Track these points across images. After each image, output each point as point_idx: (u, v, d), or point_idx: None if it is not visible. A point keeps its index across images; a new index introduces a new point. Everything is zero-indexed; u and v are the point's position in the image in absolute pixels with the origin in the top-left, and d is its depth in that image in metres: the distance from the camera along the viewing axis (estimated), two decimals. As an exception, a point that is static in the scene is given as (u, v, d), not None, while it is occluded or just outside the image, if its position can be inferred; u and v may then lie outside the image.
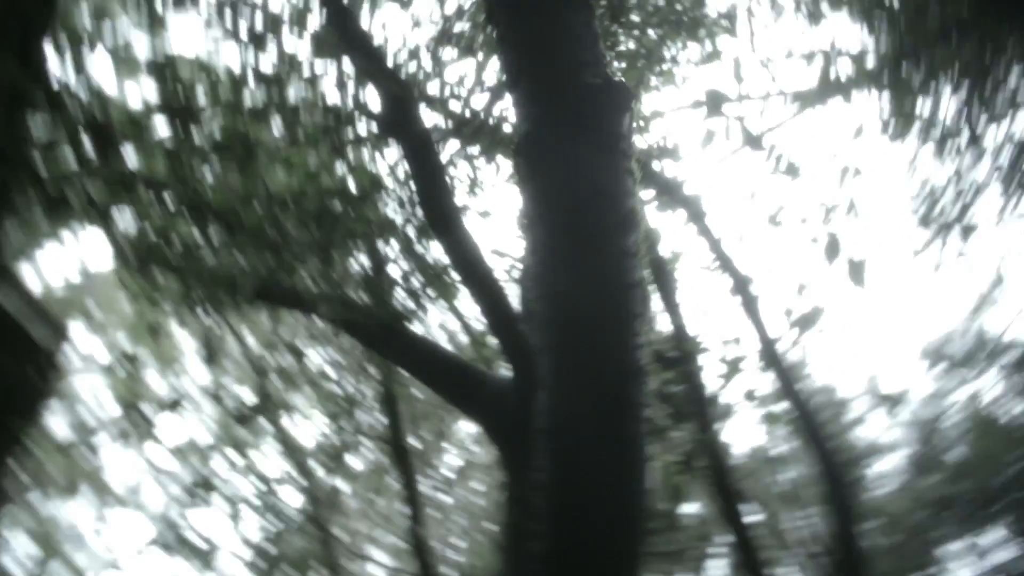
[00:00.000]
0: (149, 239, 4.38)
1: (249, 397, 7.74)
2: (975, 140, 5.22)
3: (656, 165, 4.82)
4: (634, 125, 2.36)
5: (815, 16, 5.24)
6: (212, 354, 6.15)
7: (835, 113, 5.44)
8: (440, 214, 4.18)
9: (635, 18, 5.30)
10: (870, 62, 4.79)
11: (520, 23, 2.27)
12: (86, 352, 7.20)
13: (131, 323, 6.18)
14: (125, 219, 4.28)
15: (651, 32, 5.26)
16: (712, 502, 4.53)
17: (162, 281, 4.88)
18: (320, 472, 7.83)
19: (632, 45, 5.37)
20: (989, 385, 8.86)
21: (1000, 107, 5.22)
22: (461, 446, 11.11)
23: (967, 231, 5.65)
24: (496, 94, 5.01)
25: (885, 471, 9.17)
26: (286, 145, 4.90)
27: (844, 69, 4.70)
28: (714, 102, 4.27)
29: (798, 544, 6.76)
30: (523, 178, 2.24)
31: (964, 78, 5.04)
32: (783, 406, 4.72)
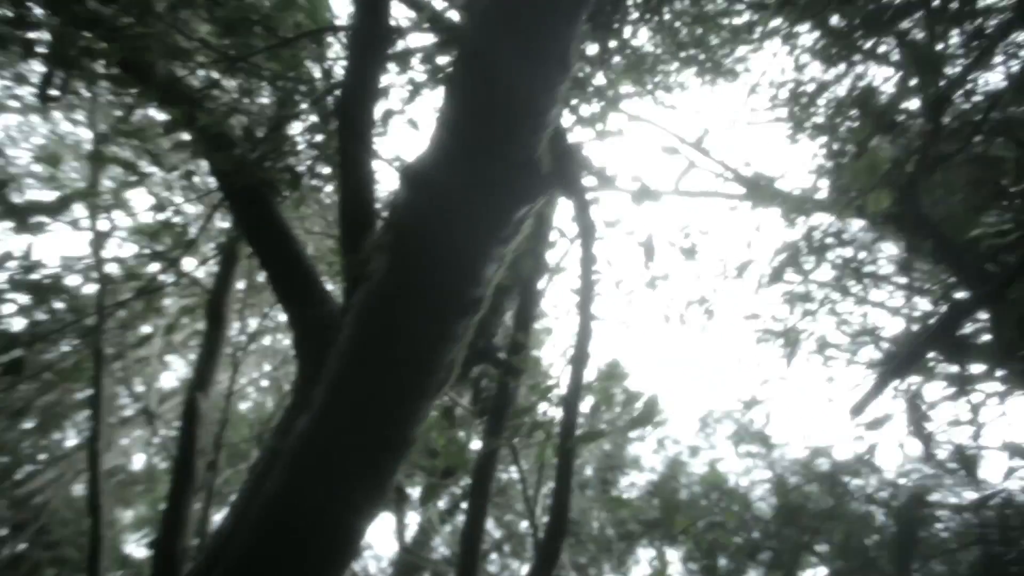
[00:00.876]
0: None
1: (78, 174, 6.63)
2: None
3: (588, 178, 4.49)
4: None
5: (794, 136, 5.28)
6: (46, 98, 5.08)
7: (757, 222, 5.74)
8: (355, 96, 3.54)
9: (668, 17, 4.82)
10: (803, 195, 4.79)
11: (499, 25, 1.74)
12: None
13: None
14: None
15: (667, 46, 4.83)
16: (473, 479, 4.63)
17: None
18: (126, 293, 6.94)
19: (650, 47, 4.91)
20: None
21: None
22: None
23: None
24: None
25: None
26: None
27: (781, 190, 4.69)
28: (644, 193, 4.01)
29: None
30: (401, 196, 1.81)
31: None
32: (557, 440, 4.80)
